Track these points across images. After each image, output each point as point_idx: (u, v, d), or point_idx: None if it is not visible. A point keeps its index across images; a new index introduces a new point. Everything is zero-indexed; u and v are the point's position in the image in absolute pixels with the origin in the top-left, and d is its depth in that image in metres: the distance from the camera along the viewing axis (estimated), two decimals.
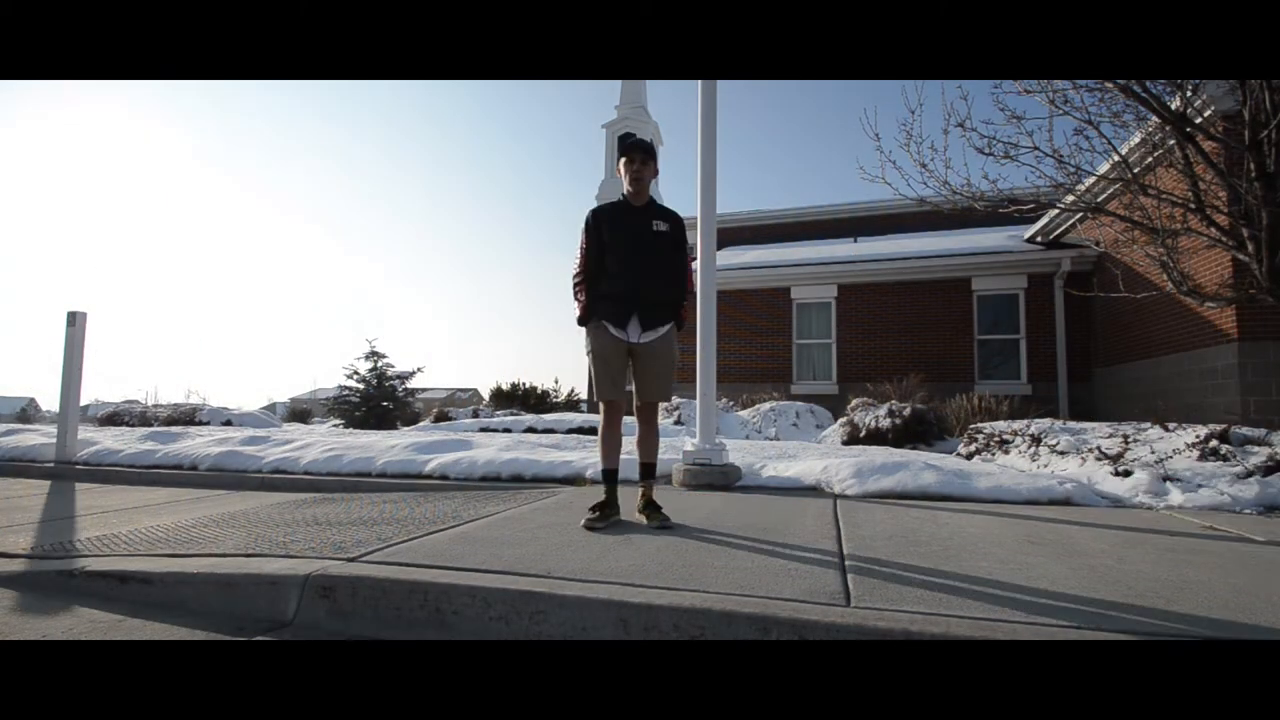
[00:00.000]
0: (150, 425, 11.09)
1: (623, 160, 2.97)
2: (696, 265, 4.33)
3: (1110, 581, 1.95)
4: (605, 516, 2.80)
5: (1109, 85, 4.20)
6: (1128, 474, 3.84)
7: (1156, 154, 4.70)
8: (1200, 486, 3.54)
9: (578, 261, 2.97)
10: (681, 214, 3.05)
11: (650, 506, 2.85)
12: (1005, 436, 5.48)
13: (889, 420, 7.51)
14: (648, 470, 2.99)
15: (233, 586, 2.09)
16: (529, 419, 9.95)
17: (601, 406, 2.99)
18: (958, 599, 1.75)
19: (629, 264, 2.88)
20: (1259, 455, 3.77)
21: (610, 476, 2.95)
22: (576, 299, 2.97)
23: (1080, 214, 7.73)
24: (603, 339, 2.90)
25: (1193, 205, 4.32)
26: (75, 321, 5.71)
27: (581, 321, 2.95)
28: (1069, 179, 4.69)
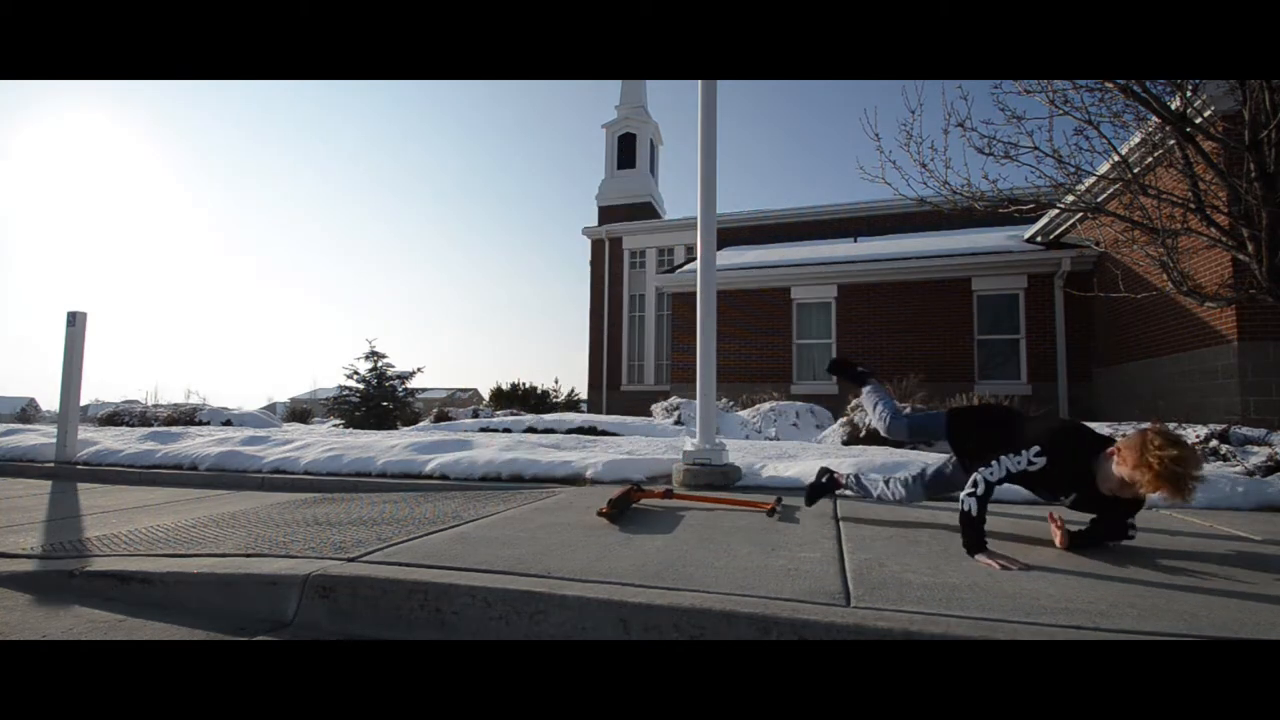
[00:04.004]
0: (150, 425, 11.09)
1: None
2: (696, 266, 4.33)
3: (1110, 581, 1.95)
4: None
5: (1109, 85, 4.20)
6: None
7: (1156, 154, 4.71)
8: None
9: None
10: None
11: None
12: None
13: None
14: None
15: (233, 586, 2.09)
16: (529, 419, 9.95)
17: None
18: (958, 599, 1.75)
19: None
20: (1259, 455, 3.77)
21: None
22: None
23: (1080, 214, 7.73)
24: None
25: (1193, 205, 4.33)
26: (75, 321, 5.71)
27: None
28: (1069, 179, 4.69)
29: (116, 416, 12.53)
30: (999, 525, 2.88)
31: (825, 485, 3.12)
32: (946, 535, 2.63)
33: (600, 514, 2.84)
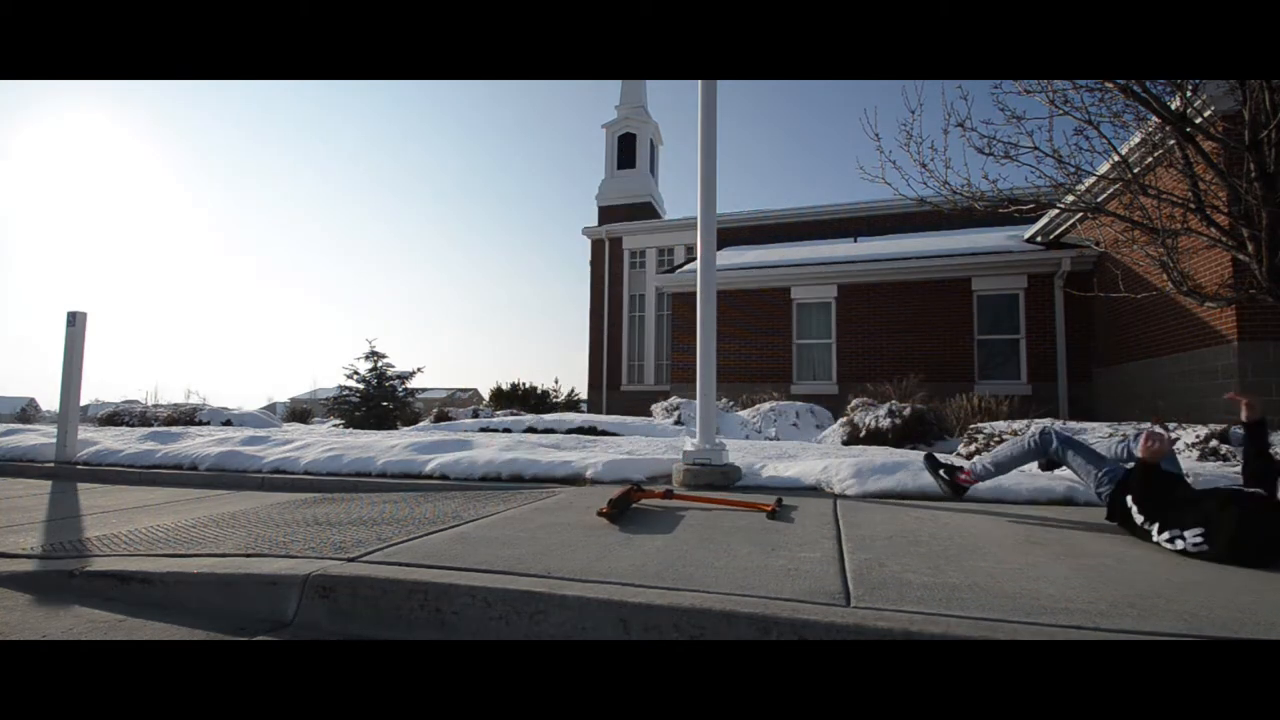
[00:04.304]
0: (150, 425, 11.09)
1: None
2: (696, 266, 4.34)
3: (1110, 581, 1.95)
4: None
5: (1109, 85, 4.20)
6: None
7: (1156, 154, 4.70)
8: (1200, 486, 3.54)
9: None
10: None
11: None
12: (1005, 436, 5.48)
13: (889, 420, 7.52)
14: None
15: (233, 586, 2.09)
16: (529, 419, 9.95)
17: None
18: (958, 599, 1.75)
19: None
20: None
21: None
22: None
23: (1080, 214, 7.73)
24: None
25: (1193, 205, 4.32)
26: (75, 321, 5.71)
27: None
28: (1069, 179, 4.69)
29: (116, 416, 12.53)
30: (997, 526, 2.88)
31: (949, 478, 3.29)
32: (946, 536, 2.63)
33: (600, 514, 2.84)
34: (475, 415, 12.47)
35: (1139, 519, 2.46)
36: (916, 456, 4.75)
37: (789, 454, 5.04)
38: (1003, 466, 3.10)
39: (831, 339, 12.38)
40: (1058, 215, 10.05)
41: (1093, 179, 4.83)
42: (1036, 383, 10.97)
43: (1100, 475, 2.73)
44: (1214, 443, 4.02)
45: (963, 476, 3.19)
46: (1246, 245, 4.16)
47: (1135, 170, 4.64)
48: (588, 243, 20.08)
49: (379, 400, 13.31)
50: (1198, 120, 4.37)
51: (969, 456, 5.59)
